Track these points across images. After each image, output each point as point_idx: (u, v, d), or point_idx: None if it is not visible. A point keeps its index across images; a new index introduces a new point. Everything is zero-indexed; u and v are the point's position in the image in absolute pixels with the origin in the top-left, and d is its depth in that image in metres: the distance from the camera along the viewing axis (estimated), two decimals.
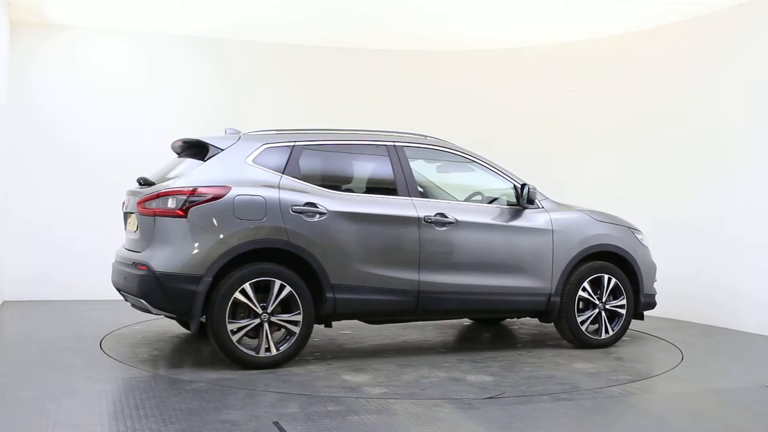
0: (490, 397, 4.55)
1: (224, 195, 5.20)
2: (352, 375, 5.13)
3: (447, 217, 5.73)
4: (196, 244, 5.13)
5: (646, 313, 6.63)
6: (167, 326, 6.95)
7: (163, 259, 5.15)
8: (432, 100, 9.80)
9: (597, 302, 6.18)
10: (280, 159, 5.49)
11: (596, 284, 6.21)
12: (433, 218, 5.69)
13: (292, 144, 5.59)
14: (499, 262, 5.94)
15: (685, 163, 8.07)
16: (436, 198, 6.14)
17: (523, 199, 6.03)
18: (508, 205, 6.10)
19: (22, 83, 8.63)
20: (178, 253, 5.14)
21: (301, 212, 5.33)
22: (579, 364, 5.58)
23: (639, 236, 6.54)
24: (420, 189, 6.04)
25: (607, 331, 6.22)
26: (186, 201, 5.16)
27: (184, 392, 4.57)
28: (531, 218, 6.07)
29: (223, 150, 5.46)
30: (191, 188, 5.21)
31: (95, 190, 8.82)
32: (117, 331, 6.70)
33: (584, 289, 6.13)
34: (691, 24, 8.05)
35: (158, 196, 5.28)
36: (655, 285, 6.61)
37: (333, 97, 9.60)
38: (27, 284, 8.55)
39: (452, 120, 9.66)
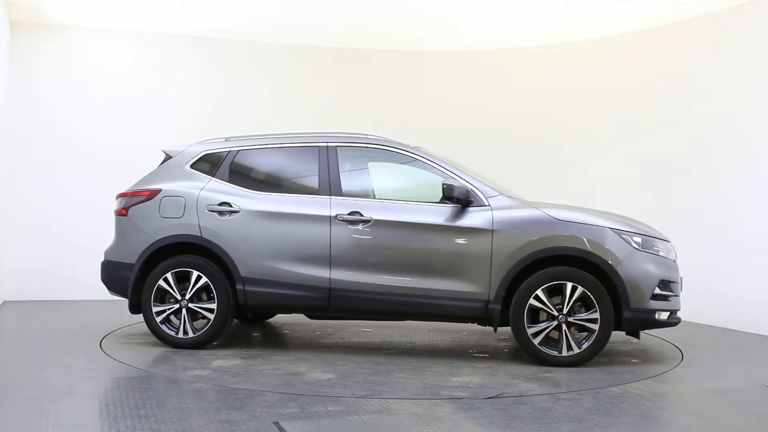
0: (490, 397, 4.55)
1: (154, 196, 6.09)
2: (220, 360, 5.47)
3: (362, 215, 5.70)
4: (131, 238, 6.11)
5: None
6: None
7: (111, 250, 6.29)
8: (432, 99, 9.80)
9: (555, 313, 5.43)
10: (215, 164, 6.19)
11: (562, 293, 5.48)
12: (346, 217, 5.72)
13: (228, 150, 6.22)
14: (422, 262, 5.63)
15: (685, 163, 8.08)
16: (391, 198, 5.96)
17: (446, 197, 5.59)
18: (454, 203, 5.62)
19: (22, 83, 8.64)
20: (121, 245, 6.20)
21: (215, 211, 5.95)
22: (463, 378, 5.04)
23: (632, 239, 5.54)
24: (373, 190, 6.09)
25: (570, 348, 5.44)
26: (126, 201, 6.20)
27: (184, 392, 4.57)
28: (468, 217, 5.59)
29: (172, 157, 6.32)
30: (132, 191, 6.24)
31: (95, 190, 8.82)
32: (117, 331, 6.71)
33: (537, 298, 5.44)
34: (691, 24, 8.05)
35: (116, 198, 6.33)
36: (669, 301, 5.62)
37: (333, 97, 9.62)
38: (27, 284, 8.55)
39: (452, 120, 9.68)
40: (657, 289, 5.53)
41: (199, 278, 5.88)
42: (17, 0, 7.93)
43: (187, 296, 5.88)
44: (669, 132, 8.26)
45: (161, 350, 5.90)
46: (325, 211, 5.78)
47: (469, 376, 5.13)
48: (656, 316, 5.53)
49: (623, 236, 5.55)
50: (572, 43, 9.19)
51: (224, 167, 6.15)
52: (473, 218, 5.59)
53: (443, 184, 5.60)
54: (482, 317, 5.60)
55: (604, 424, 4.02)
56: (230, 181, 6.09)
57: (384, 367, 5.40)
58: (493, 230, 5.53)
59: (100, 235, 8.74)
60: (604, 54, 8.96)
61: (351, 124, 9.40)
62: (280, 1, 7.91)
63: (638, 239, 5.61)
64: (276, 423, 3.89)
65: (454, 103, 9.77)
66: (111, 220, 8.58)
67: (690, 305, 7.74)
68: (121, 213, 6.23)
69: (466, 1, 7.87)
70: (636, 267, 5.50)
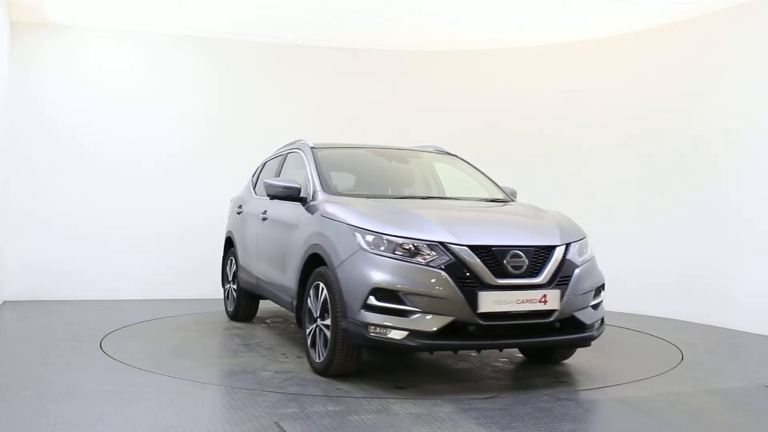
0: (491, 397, 4.55)
1: (232, 202, 7.78)
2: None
3: (264, 213, 6.45)
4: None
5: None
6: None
7: None
8: (432, 100, 9.80)
9: (315, 315, 5.01)
10: (256, 175, 7.40)
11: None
12: (262, 215, 6.51)
13: (263, 161, 7.35)
14: (277, 257, 6.00)
15: (684, 164, 8.07)
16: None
17: (267, 194, 5.86)
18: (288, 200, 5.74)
19: (22, 83, 8.63)
20: None
21: (237, 212, 7.39)
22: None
23: (363, 238, 4.67)
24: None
25: (319, 355, 4.96)
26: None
27: (184, 392, 4.57)
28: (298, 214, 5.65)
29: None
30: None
31: (95, 190, 8.84)
32: (117, 331, 6.71)
33: (308, 297, 5.14)
34: (691, 24, 8.05)
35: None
36: (405, 317, 4.41)
37: (334, 97, 9.62)
38: (27, 284, 8.56)
39: (452, 120, 9.68)
40: (371, 298, 4.46)
41: (233, 265, 7.35)
42: (17, 0, 7.93)
43: (230, 278, 7.49)
44: (669, 131, 8.25)
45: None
46: (260, 211, 6.60)
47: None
48: (370, 331, 4.46)
49: (356, 233, 4.72)
50: (572, 43, 9.19)
51: (256, 177, 7.33)
52: (298, 215, 5.62)
53: (263, 183, 5.95)
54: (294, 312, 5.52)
55: (604, 424, 4.03)
56: (254, 188, 7.26)
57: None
58: (298, 226, 5.53)
59: (101, 236, 8.80)
60: (604, 54, 8.96)
61: (350, 123, 9.44)
62: (280, 1, 7.90)
63: (371, 237, 4.66)
64: (276, 423, 3.89)
65: (454, 103, 9.76)
66: (110, 219, 8.75)
67: (690, 305, 7.78)
68: None
69: (466, 0, 7.87)
70: (353, 270, 4.62)
